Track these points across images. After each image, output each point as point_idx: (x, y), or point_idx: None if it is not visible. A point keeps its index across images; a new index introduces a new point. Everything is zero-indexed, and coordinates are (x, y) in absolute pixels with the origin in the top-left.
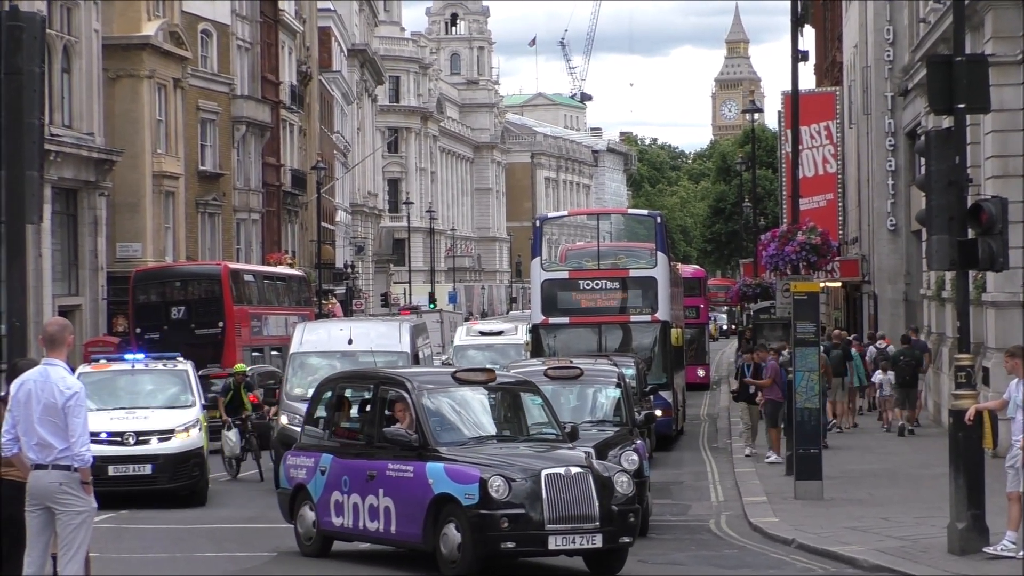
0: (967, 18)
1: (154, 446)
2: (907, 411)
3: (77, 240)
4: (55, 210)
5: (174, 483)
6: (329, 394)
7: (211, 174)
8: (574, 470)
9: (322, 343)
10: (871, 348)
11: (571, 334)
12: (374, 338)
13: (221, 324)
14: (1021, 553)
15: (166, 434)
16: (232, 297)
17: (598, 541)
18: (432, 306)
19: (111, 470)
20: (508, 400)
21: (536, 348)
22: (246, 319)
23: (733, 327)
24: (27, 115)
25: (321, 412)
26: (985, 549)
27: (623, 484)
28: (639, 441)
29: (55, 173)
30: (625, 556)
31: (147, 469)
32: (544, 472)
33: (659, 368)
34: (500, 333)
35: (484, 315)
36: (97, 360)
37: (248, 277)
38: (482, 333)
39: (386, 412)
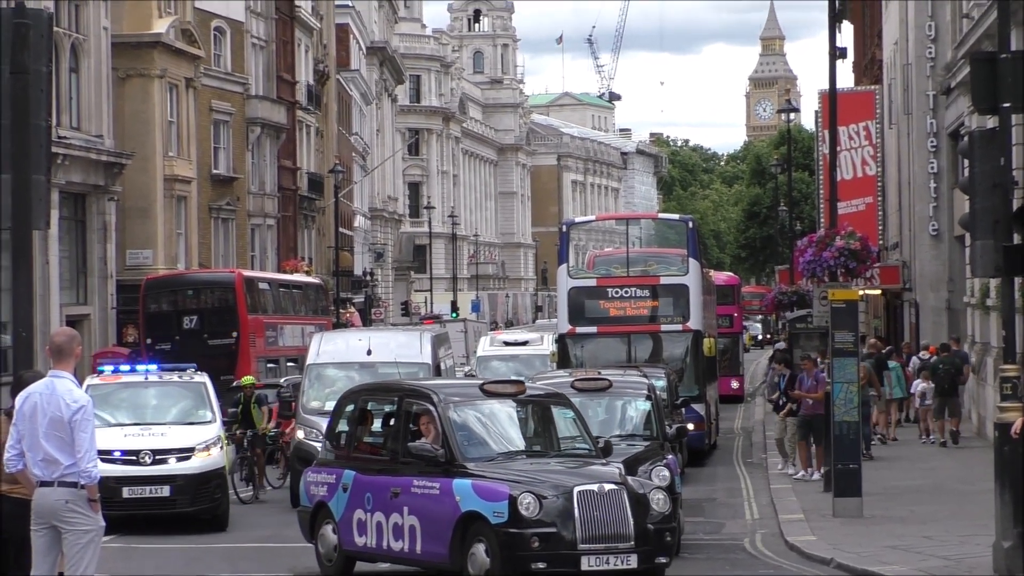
0: (1012, 13)
1: (172, 466)
2: (948, 421)
3: (86, 247)
4: (63, 215)
5: (194, 506)
6: (351, 407)
7: (224, 178)
8: (608, 487)
9: (340, 354)
10: (914, 359)
11: (599, 344)
12: (394, 348)
13: (235, 334)
14: None
15: (185, 453)
16: (246, 306)
17: (633, 562)
18: (454, 315)
19: (126, 492)
20: (538, 413)
21: (563, 359)
22: (261, 329)
23: (768, 336)
24: (34, 116)
25: (343, 426)
26: None
27: (659, 502)
28: (670, 456)
29: (63, 177)
30: None
31: (165, 491)
32: (576, 489)
33: (691, 379)
34: (525, 343)
35: (509, 324)
36: (106, 371)
37: (263, 285)
38: (506, 343)
39: (411, 426)
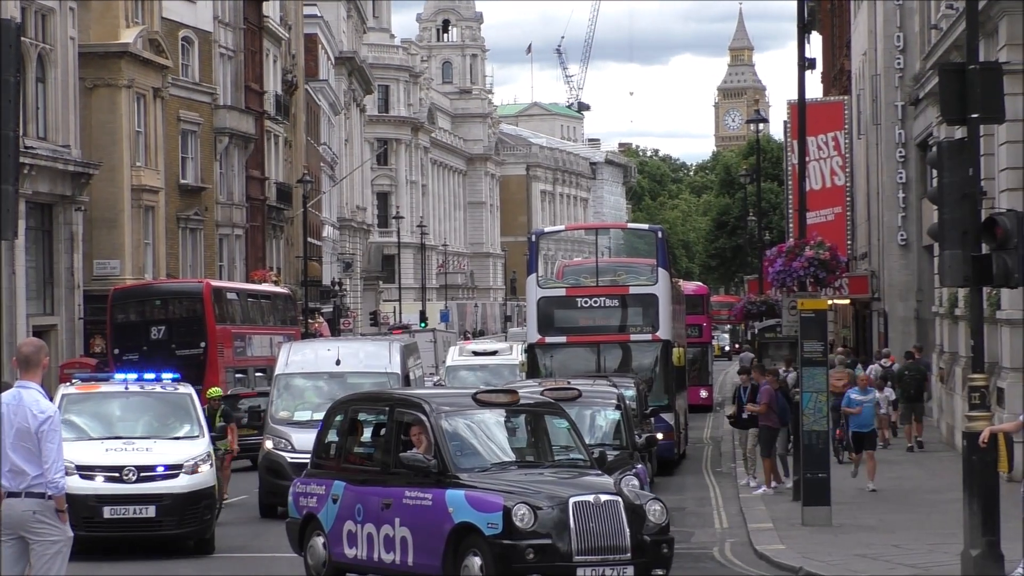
0: (980, 24)
1: (159, 484)
2: (915, 425)
3: (52, 257)
4: (29, 226)
5: (182, 528)
6: (341, 417)
7: (192, 188)
8: (604, 497)
9: (309, 364)
10: (874, 366)
11: (568, 354)
12: (363, 358)
13: (203, 344)
14: None
15: (173, 470)
16: (215, 316)
17: (629, 573)
18: (423, 325)
19: (107, 512)
20: (532, 423)
21: (532, 369)
22: (229, 339)
23: (736, 346)
24: (2, 127)
25: (332, 436)
26: None
27: (656, 513)
28: (640, 465)
29: (30, 187)
30: None
31: (150, 511)
32: (572, 500)
33: (660, 389)
34: (494, 353)
35: (480, 334)
36: (81, 379)
37: (231, 295)
38: (475, 353)
39: (402, 436)
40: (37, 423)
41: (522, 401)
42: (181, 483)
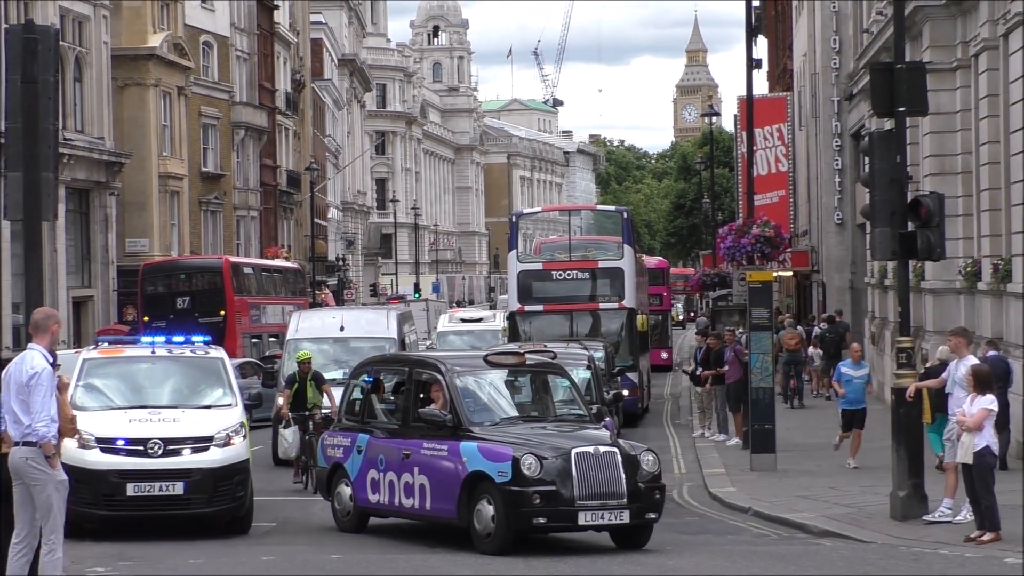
0: (907, 28)
1: (187, 458)
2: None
3: (89, 236)
4: (69, 209)
5: (212, 506)
6: (365, 377)
7: (213, 175)
8: (602, 449)
9: (316, 330)
10: (815, 328)
11: (545, 320)
12: (364, 325)
13: (223, 313)
14: (957, 518)
15: (203, 442)
16: (233, 288)
17: (626, 517)
18: (417, 295)
19: (131, 489)
20: (537, 382)
21: (513, 334)
22: (246, 308)
23: (691, 315)
24: (42, 121)
25: (357, 395)
26: (924, 517)
27: (648, 462)
28: (608, 419)
29: (68, 174)
30: (650, 532)
31: (178, 488)
32: (574, 451)
33: (626, 351)
34: (480, 320)
35: (471, 303)
36: (106, 342)
37: (247, 270)
38: (463, 320)
39: (420, 394)
40: (27, 377)
41: (529, 363)
42: (212, 457)
